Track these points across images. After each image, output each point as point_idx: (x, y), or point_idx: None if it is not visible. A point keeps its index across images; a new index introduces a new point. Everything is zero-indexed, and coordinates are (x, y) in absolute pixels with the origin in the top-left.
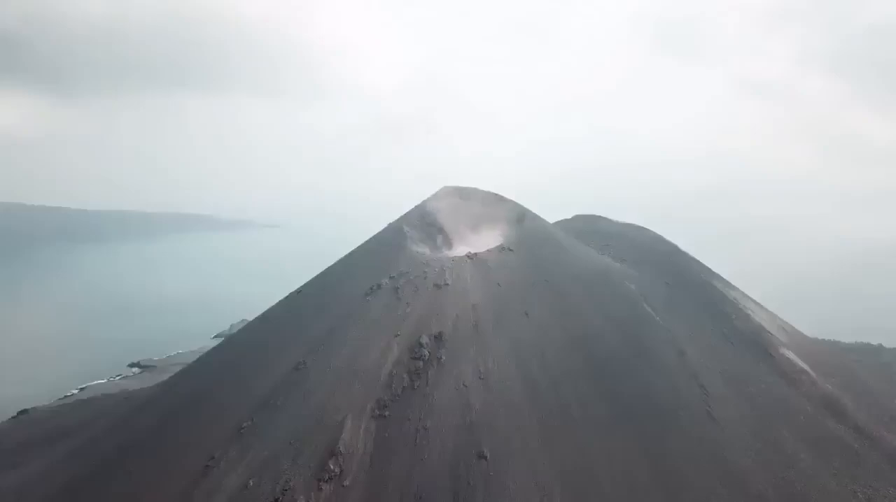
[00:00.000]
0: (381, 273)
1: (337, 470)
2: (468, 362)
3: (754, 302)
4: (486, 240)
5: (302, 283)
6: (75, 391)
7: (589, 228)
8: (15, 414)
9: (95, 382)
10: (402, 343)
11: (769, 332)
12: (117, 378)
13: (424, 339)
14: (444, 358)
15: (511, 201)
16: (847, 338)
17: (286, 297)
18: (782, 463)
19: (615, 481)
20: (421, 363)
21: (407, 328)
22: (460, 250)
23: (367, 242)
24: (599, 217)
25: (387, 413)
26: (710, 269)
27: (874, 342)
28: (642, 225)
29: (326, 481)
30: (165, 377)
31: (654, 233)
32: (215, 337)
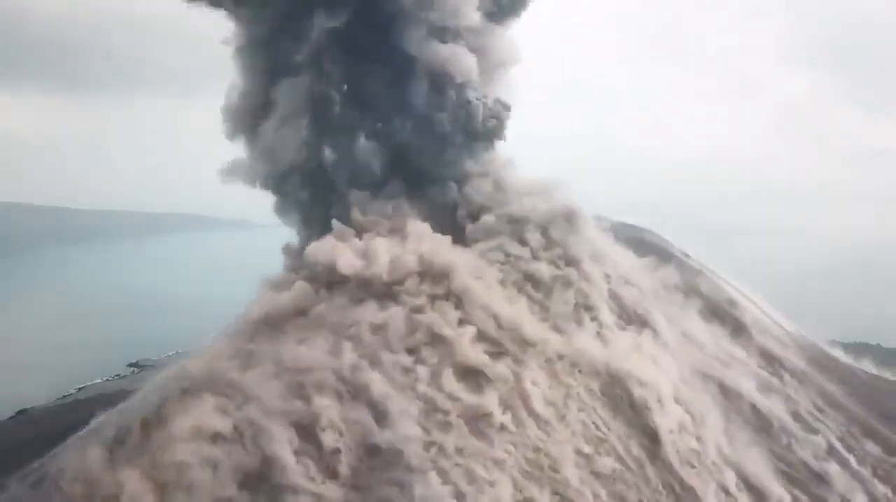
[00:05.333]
0: None
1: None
2: None
3: (753, 301)
4: None
5: None
6: (74, 391)
7: None
8: (13, 414)
9: (94, 382)
10: None
11: (768, 331)
12: (116, 378)
13: None
14: None
15: None
16: (847, 338)
17: None
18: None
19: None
20: None
21: None
22: None
23: None
24: (597, 216)
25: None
26: (710, 270)
27: (873, 342)
28: (640, 225)
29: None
30: None
31: (653, 234)
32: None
